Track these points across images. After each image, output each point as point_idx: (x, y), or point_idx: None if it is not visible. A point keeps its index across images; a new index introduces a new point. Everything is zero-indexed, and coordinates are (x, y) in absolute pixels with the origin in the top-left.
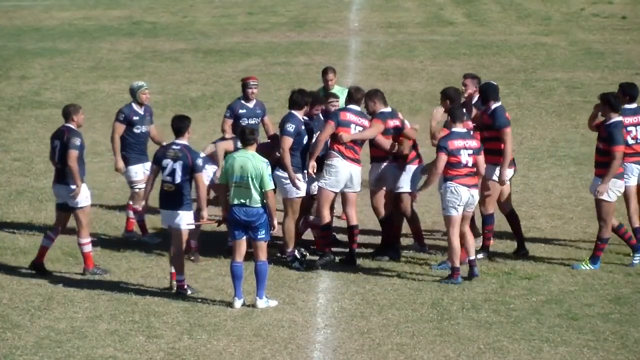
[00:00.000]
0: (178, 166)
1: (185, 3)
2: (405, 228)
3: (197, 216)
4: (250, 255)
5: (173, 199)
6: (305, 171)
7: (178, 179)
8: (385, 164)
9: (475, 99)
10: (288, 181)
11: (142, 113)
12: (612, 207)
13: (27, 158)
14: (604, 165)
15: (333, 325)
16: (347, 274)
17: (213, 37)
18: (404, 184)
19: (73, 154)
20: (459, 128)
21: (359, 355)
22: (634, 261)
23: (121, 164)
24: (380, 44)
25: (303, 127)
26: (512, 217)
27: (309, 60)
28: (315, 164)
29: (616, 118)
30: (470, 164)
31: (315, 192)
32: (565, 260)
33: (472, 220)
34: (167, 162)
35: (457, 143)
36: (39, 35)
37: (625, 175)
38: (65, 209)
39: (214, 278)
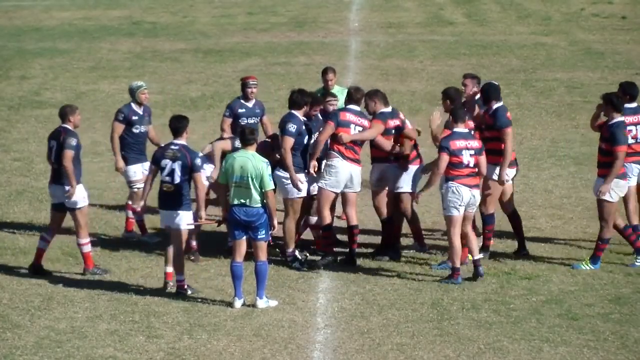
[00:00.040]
0: (177, 166)
1: (185, 3)
2: (405, 228)
3: (196, 216)
4: (250, 255)
5: (172, 199)
6: (306, 171)
7: (177, 179)
8: (386, 164)
9: (475, 99)
10: (289, 181)
11: (141, 113)
12: (614, 207)
13: (27, 158)
14: (606, 165)
15: (333, 325)
16: (347, 274)
17: (213, 37)
18: (404, 184)
19: (68, 154)
20: (460, 128)
21: (359, 355)
22: (636, 263)
23: (121, 163)
24: (380, 44)
25: (304, 127)
26: (514, 218)
27: (309, 60)
28: (316, 163)
29: (619, 118)
30: (472, 165)
31: (315, 193)
32: (565, 260)
33: (472, 220)
34: (166, 163)
35: (459, 143)
36: (39, 35)
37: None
38: (61, 209)
39: (214, 278)
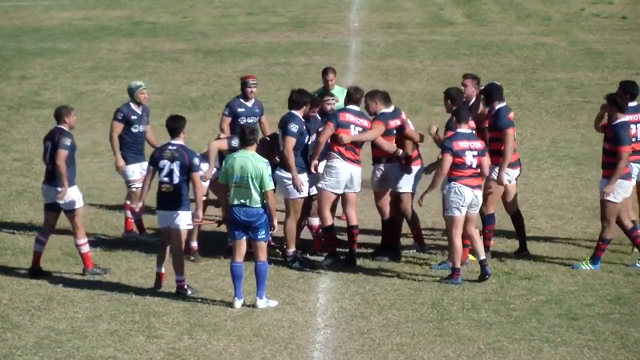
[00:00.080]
0: (175, 166)
1: (185, 3)
2: (405, 228)
3: (193, 216)
4: (250, 256)
5: (172, 199)
6: (307, 172)
7: (176, 179)
8: (387, 164)
9: (474, 99)
10: (290, 181)
11: (140, 113)
12: (617, 208)
13: (27, 158)
14: (610, 166)
15: (333, 325)
16: (347, 274)
17: (213, 37)
18: (404, 184)
19: (62, 153)
20: (463, 129)
21: (359, 356)
22: (637, 264)
23: (121, 162)
24: (380, 44)
25: (304, 127)
26: (517, 218)
27: (309, 60)
28: (317, 162)
29: (622, 118)
30: (474, 165)
31: (314, 193)
32: (565, 260)
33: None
34: (164, 163)
35: (462, 144)
36: (39, 35)
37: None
38: (54, 209)
39: (214, 278)
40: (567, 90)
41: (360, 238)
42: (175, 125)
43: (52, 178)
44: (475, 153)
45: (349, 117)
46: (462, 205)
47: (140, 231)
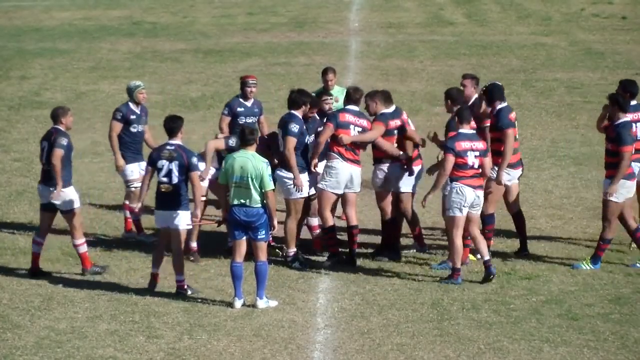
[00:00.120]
0: (174, 166)
1: (185, 3)
2: (405, 228)
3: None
4: (250, 256)
5: (171, 199)
6: (307, 171)
7: (175, 179)
8: (388, 164)
9: (473, 99)
10: (290, 181)
11: (139, 112)
12: (619, 208)
13: (27, 158)
14: (613, 166)
15: (333, 325)
16: (347, 274)
17: (213, 37)
18: (404, 185)
19: (58, 152)
20: (465, 129)
21: (359, 356)
22: (637, 264)
23: (121, 161)
24: (380, 44)
25: (304, 127)
26: (519, 218)
27: (309, 60)
28: (317, 161)
29: (624, 118)
30: (476, 166)
31: (312, 193)
32: (565, 260)
33: None
34: (163, 163)
35: (464, 144)
36: (39, 35)
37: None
38: (50, 209)
39: (214, 278)
40: (567, 90)
41: (360, 238)
42: (172, 125)
43: (48, 178)
44: (477, 153)
45: (348, 117)
46: (463, 206)
47: (138, 231)
